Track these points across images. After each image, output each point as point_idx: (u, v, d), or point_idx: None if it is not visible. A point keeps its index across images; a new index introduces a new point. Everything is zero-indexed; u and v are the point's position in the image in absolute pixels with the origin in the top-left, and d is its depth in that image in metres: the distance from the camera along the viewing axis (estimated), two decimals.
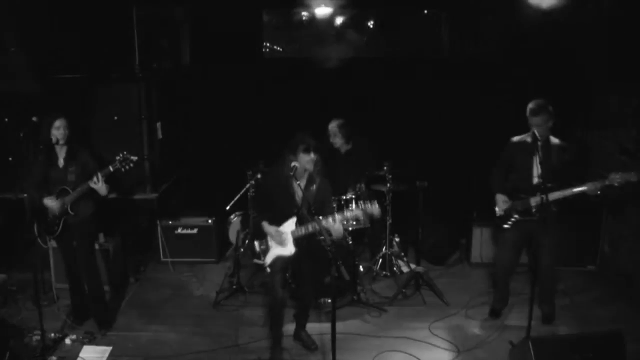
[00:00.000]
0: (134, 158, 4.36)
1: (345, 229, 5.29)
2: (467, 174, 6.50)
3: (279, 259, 4.10)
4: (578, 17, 5.50)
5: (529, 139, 4.42)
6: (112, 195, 4.80)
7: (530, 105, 4.32)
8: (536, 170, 4.39)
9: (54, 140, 4.33)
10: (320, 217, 3.81)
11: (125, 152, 4.34)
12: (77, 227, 4.50)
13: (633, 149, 5.27)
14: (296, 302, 4.48)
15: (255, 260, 4.25)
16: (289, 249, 4.05)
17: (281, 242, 4.05)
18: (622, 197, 5.25)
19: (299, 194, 4.00)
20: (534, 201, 4.37)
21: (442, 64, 6.23)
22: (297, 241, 4.04)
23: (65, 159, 4.44)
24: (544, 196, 4.16)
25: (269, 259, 4.14)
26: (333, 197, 4.02)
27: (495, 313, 4.82)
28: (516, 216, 4.49)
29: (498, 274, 4.82)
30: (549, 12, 5.48)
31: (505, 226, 4.54)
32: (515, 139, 4.53)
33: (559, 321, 4.71)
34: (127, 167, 4.34)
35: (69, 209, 4.39)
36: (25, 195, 4.55)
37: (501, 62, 6.11)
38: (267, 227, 4.11)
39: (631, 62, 5.20)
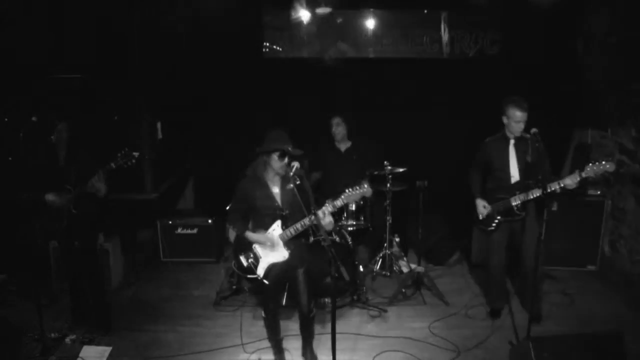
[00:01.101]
0: (136, 154, 4.35)
1: (345, 229, 5.30)
2: (467, 174, 6.50)
3: (273, 267, 3.89)
4: (577, 16, 5.50)
5: (501, 138, 4.45)
6: (112, 197, 4.80)
7: (515, 102, 4.30)
8: (513, 169, 4.41)
9: (54, 140, 4.34)
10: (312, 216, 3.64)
11: (127, 149, 4.34)
12: (79, 227, 4.51)
13: (633, 149, 5.27)
14: (298, 313, 4.16)
15: (249, 276, 3.98)
16: (282, 254, 3.86)
17: (272, 247, 3.84)
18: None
19: (276, 195, 3.83)
20: (514, 201, 4.38)
21: (442, 64, 6.23)
22: (288, 245, 3.85)
23: (66, 159, 4.46)
24: (516, 204, 4.18)
25: (261, 270, 3.89)
26: (333, 198, 3.80)
27: (494, 313, 4.82)
28: (499, 217, 4.49)
29: (492, 275, 4.82)
30: (548, 11, 5.49)
31: (490, 229, 4.55)
32: (489, 139, 4.55)
33: (559, 321, 4.71)
34: (129, 163, 4.34)
35: (71, 208, 4.40)
36: (26, 195, 4.55)
37: (501, 62, 6.11)
38: (252, 235, 3.89)
39: (630, 62, 5.20)
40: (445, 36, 6.13)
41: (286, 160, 3.72)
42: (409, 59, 6.21)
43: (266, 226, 3.86)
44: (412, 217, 5.93)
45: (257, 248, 3.93)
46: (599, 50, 5.69)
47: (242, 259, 3.95)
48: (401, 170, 5.44)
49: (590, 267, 5.73)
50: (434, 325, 4.72)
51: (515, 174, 4.42)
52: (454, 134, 6.45)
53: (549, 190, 4.16)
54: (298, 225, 3.76)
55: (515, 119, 4.31)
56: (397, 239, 6.07)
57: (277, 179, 3.86)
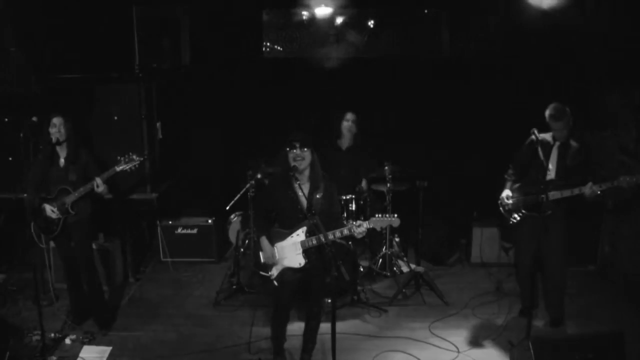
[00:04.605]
0: (139, 159, 4.38)
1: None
2: (467, 173, 6.51)
3: (287, 271, 3.84)
4: (578, 16, 5.50)
5: (549, 138, 4.45)
6: (109, 196, 4.81)
7: (550, 112, 4.31)
8: (552, 168, 4.42)
9: (53, 139, 4.33)
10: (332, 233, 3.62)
11: (130, 153, 4.36)
12: (76, 227, 4.50)
13: (633, 149, 5.27)
14: (305, 321, 4.14)
15: (262, 273, 3.91)
16: (298, 261, 3.79)
17: (275, 261, 3.81)
18: (627, 198, 5.25)
19: (302, 198, 3.74)
20: (541, 198, 4.36)
21: (442, 64, 6.24)
22: (307, 253, 3.78)
23: (66, 159, 4.45)
24: (543, 196, 4.18)
25: (275, 271, 3.86)
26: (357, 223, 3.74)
27: (523, 312, 4.79)
28: (524, 211, 4.49)
29: (519, 272, 4.81)
30: (549, 11, 5.48)
31: (512, 221, 4.54)
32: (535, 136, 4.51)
33: None
34: (132, 167, 4.37)
35: (69, 209, 4.39)
36: (25, 195, 4.55)
37: (501, 62, 6.11)
38: (264, 243, 3.85)
39: (631, 62, 5.20)
40: (445, 36, 6.13)
41: (297, 150, 3.67)
42: (409, 59, 6.21)
43: (289, 227, 3.82)
44: (412, 217, 5.93)
45: (277, 248, 3.86)
46: (599, 49, 5.69)
47: (261, 255, 3.92)
48: (401, 170, 5.44)
49: (590, 267, 5.73)
50: (434, 325, 4.72)
51: (551, 174, 4.43)
52: (454, 133, 6.46)
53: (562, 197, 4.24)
54: (321, 237, 3.66)
55: (553, 127, 4.35)
56: (397, 239, 6.07)
57: (305, 184, 3.78)
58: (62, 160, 4.45)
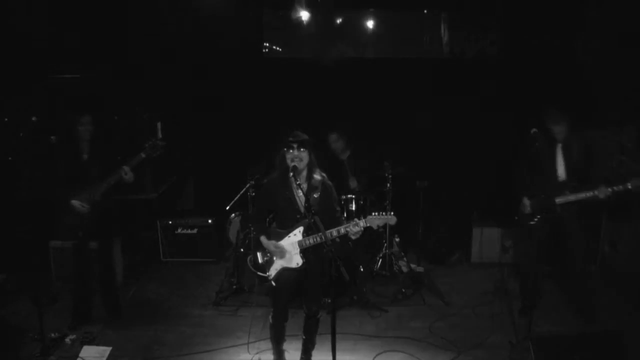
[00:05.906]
0: (163, 143, 4.45)
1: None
2: (467, 174, 6.51)
3: (284, 272, 3.79)
4: (577, 16, 5.51)
5: (552, 137, 4.47)
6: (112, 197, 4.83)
7: (549, 117, 4.37)
8: (560, 168, 4.45)
9: (87, 137, 4.45)
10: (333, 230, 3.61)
11: (154, 139, 4.45)
12: (102, 220, 4.60)
13: (633, 149, 5.27)
14: (304, 321, 4.05)
15: (259, 273, 3.88)
16: (296, 261, 3.75)
17: (282, 256, 3.78)
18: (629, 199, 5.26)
19: (300, 198, 3.69)
20: (557, 200, 4.41)
21: (442, 64, 6.24)
22: (305, 252, 3.75)
23: (89, 154, 4.55)
24: (559, 199, 4.27)
25: (273, 271, 3.80)
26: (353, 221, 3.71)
27: (524, 312, 4.80)
28: (543, 213, 4.52)
29: (524, 271, 4.82)
30: (548, 11, 5.49)
31: (531, 223, 4.57)
32: (538, 136, 4.46)
33: (559, 321, 4.71)
34: (157, 152, 4.45)
35: (99, 201, 4.48)
36: (50, 193, 4.58)
37: (501, 62, 6.11)
38: (264, 241, 3.79)
39: (631, 61, 5.21)
40: (445, 36, 6.13)
41: (294, 151, 3.66)
42: (409, 59, 6.21)
43: (287, 227, 3.79)
44: (412, 217, 5.94)
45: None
46: (599, 49, 5.70)
47: (259, 255, 3.89)
48: (401, 170, 5.44)
49: (590, 267, 5.72)
50: (434, 325, 4.72)
51: (562, 174, 4.46)
52: (454, 133, 6.46)
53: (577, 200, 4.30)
54: (317, 238, 3.66)
55: (554, 131, 4.39)
56: (397, 239, 6.07)
57: (303, 184, 3.73)
58: (85, 156, 4.55)
